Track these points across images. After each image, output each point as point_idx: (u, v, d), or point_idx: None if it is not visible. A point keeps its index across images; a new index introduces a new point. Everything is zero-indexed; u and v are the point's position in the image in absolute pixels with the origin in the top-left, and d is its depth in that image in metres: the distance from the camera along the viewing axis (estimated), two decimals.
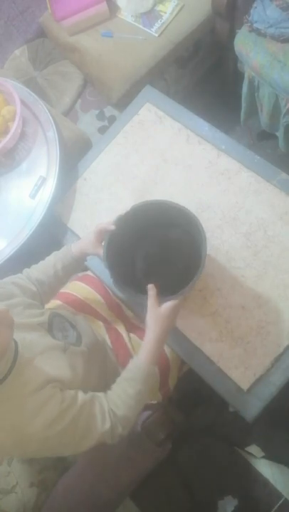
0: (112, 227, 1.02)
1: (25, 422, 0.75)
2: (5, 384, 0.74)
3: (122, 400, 0.87)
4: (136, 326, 1.23)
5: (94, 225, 1.06)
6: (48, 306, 1.16)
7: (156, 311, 0.93)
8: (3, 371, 0.75)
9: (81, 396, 0.83)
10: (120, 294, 0.99)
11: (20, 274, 1.04)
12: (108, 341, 1.15)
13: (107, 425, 0.83)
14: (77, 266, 1.10)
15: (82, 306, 1.19)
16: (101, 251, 1.04)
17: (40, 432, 0.75)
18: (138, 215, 1.05)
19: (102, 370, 1.03)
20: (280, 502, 1.49)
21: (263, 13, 1.40)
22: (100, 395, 0.88)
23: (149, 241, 1.16)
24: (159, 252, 1.17)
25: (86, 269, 1.32)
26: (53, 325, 0.94)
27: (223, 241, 1.16)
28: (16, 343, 0.81)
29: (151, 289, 0.95)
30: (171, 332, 1.13)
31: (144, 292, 0.96)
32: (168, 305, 0.93)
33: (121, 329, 1.19)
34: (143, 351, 0.93)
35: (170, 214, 1.04)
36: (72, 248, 1.07)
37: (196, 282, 0.94)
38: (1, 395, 0.74)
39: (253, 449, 1.58)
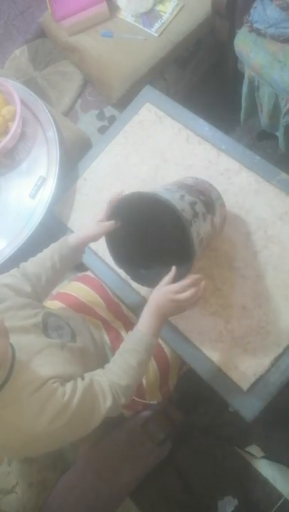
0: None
1: (31, 422, 0.75)
2: (5, 388, 0.75)
3: (124, 371, 0.89)
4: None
5: None
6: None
7: (168, 285, 0.91)
8: (2, 377, 0.75)
9: (80, 383, 0.84)
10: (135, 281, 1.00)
11: (15, 271, 1.01)
12: (107, 341, 1.15)
13: (109, 402, 0.85)
14: (74, 257, 1.07)
15: (81, 307, 1.19)
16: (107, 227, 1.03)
17: (47, 427, 0.76)
18: (129, 207, 1.02)
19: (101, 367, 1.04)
20: (280, 502, 1.49)
21: (263, 13, 1.40)
22: (98, 372, 0.90)
23: (147, 231, 1.12)
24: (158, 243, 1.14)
25: (86, 269, 1.32)
26: (48, 325, 0.94)
27: (223, 241, 1.16)
28: (12, 347, 0.81)
29: (174, 269, 0.94)
30: (172, 332, 1.13)
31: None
32: (182, 282, 0.91)
33: (120, 329, 1.19)
34: (145, 324, 0.92)
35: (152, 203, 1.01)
36: (69, 238, 1.05)
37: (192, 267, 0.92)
38: (2, 399, 0.75)
39: (253, 449, 1.58)
